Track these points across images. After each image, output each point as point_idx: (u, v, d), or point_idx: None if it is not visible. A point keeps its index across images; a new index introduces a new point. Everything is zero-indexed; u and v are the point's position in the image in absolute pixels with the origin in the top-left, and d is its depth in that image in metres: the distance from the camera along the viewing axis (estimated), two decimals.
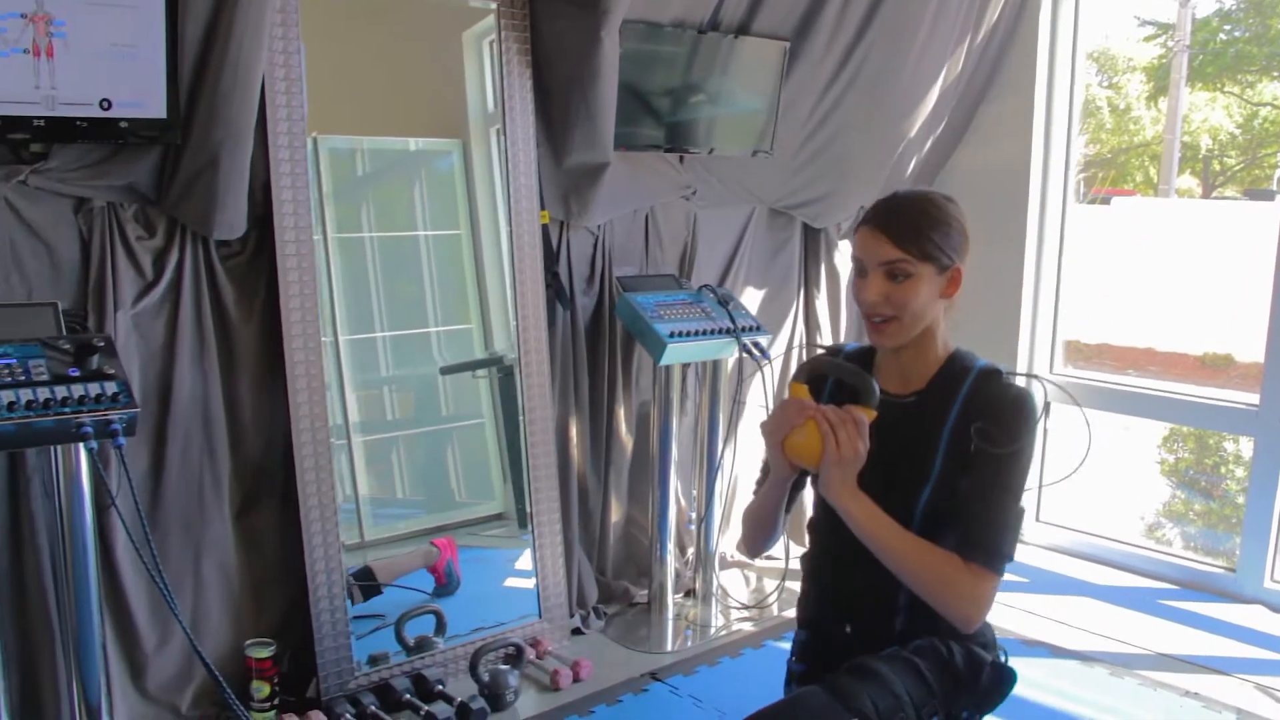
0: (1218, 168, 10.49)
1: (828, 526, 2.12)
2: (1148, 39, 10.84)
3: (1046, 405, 2.02)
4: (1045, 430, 2.03)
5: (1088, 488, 5.07)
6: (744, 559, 4.34)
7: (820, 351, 2.25)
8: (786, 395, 2.08)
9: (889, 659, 2.02)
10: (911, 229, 1.98)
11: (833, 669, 2.02)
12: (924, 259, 1.98)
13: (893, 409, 2.05)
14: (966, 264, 2.05)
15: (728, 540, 4.31)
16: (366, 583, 3.39)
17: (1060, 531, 4.64)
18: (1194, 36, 9.60)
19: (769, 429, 2.03)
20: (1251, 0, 3.43)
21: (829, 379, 2.16)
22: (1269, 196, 8.81)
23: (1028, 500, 1.88)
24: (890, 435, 2.01)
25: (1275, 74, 7.40)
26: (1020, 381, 1.92)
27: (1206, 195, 10.64)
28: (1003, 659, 2.16)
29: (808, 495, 2.27)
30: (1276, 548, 4.05)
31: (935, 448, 2.02)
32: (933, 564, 1.96)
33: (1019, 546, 2.04)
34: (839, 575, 2.16)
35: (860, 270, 2.04)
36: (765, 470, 2.21)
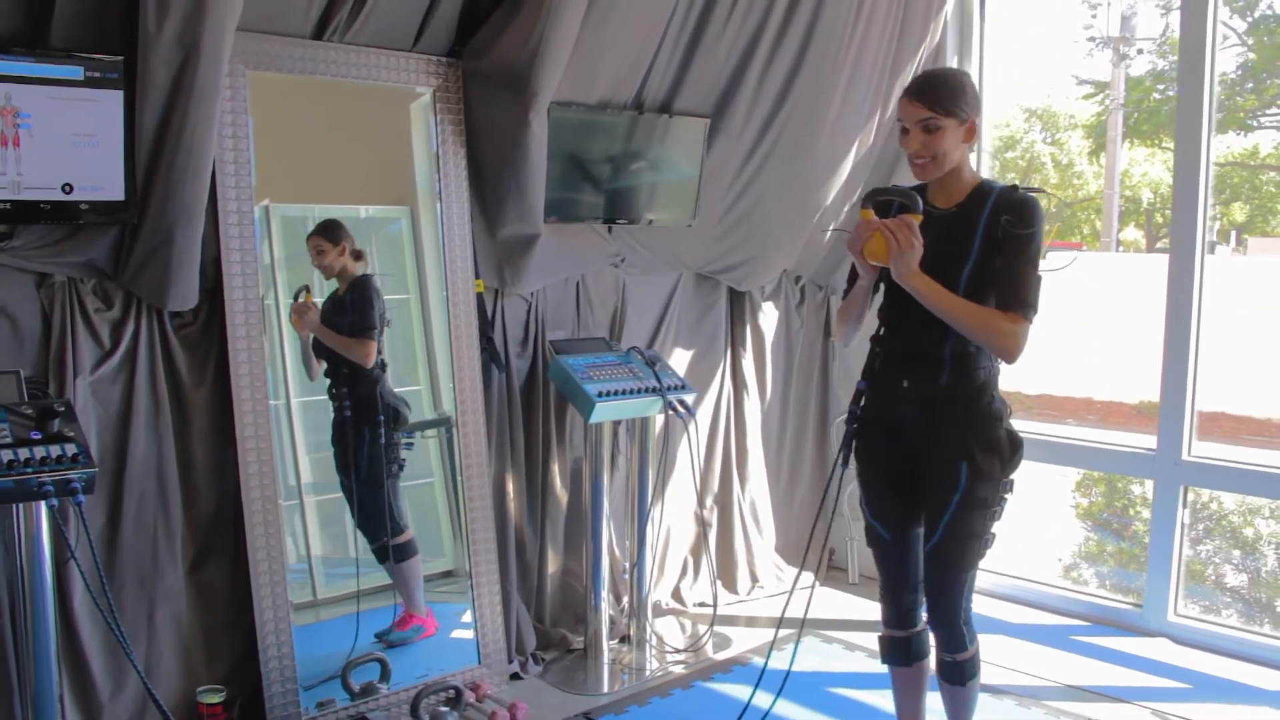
0: (1160, 220, 10.89)
1: (891, 311, 2.82)
2: (1086, 97, 11.26)
3: (1047, 208, 2.62)
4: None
5: (1009, 533, 5.33)
6: (677, 605, 4.55)
7: (875, 188, 2.97)
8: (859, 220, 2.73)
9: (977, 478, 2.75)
10: (937, 94, 2.68)
11: (885, 413, 2.84)
12: (947, 115, 2.67)
13: (942, 217, 2.73)
14: (979, 117, 2.72)
15: (662, 587, 4.52)
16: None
17: (982, 575, 4.86)
18: (1129, 95, 9.99)
19: (850, 244, 2.74)
20: (1199, 56, 3.76)
21: (888, 201, 2.79)
22: (1209, 249, 9.19)
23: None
24: (943, 234, 2.69)
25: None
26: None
27: (1150, 247, 11.02)
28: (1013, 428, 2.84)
29: None
30: (1178, 583, 4.31)
31: (973, 237, 2.69)
32: (982, 316, 2.65)
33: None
34: (898, 343, 2.83)
35: (903, 130, 2.73)
36: (850, 279, 2.89)
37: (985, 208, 2.69)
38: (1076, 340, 8.49)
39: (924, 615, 2.99)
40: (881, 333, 2.87)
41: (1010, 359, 2.70)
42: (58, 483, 2.56)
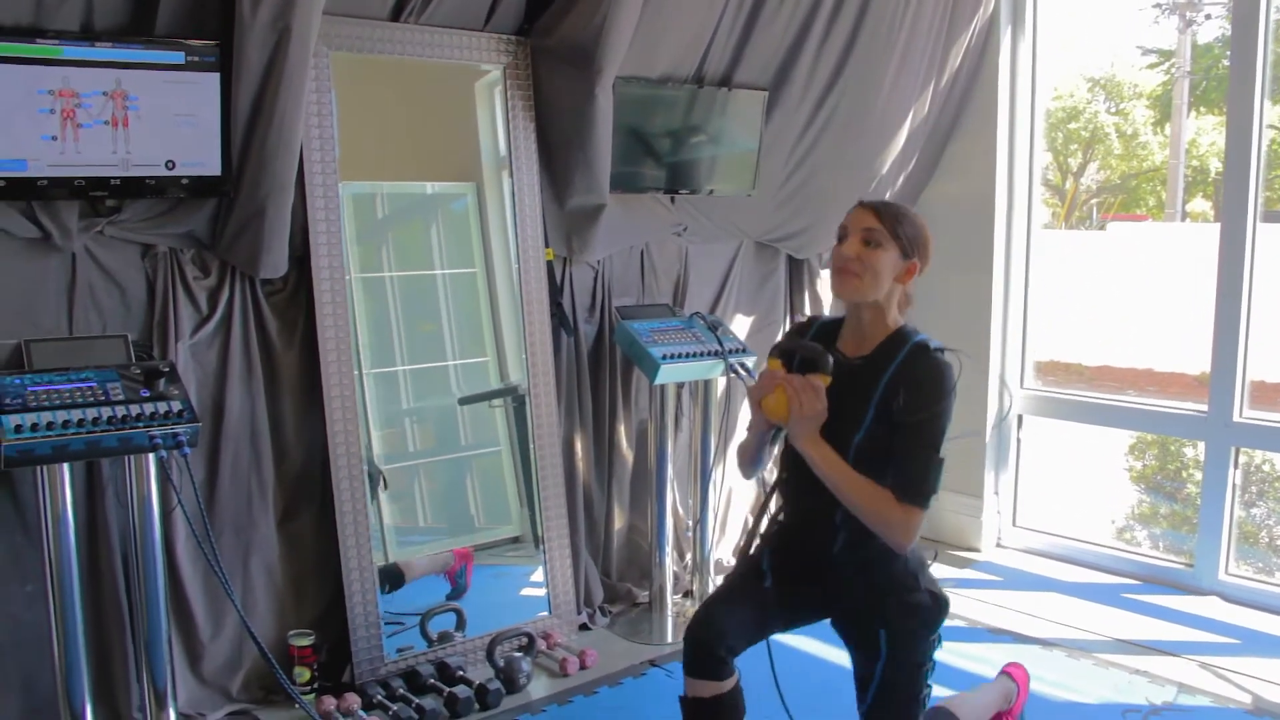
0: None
1: (786, 462, 2.66)
2: (1151, 66, 11.11)
3: (959, 374, 2.50)
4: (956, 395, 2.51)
5: (1063, 494, 5.44)
6: None
7: (793, 328, 2.80)
8: (764, 369, 2.60)
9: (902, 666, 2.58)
10: (891, 215, 2.53)
11: (789, 559, 2.64)
12: (893, 238, 2.50)
13: (845, 368, 2.53)
14: (921, 271, 2.57)
15: (724, 546, 4.69)
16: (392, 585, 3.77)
17: (1036, 535, 5.00)
18: (1195, 63, 9.86)
19: (751, 394, 2.58)
20: (1252, 25, 3.78)
21: (796, 354, 2.61)
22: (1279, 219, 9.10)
23: (947, 451, 2.47)
24: (841, 389, 2.49)
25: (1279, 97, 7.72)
26: (948, 354, 2.50)
27: (1219, 217, 10.78)
28: (938, 590, 2.64)
29: None
30: (1229, 542, 4.40)
31: (869, 403, 2.49)
32: (874, 499, 2.45)
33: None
34: (794, 499, 2.68)
35: (841, 237, 2.55)
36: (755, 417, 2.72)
37: (889, 369, 2.49)
38: (1137, 312, 8.48)
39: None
40: (783, 479, 2.71)
41: (900, 550, 2.51)
42: (166, 436, 2.80)
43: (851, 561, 2.57)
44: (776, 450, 2.76)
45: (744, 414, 4.53)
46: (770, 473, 2.76)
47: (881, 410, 2.48)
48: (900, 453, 2.46)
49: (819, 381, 2.46)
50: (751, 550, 2.72)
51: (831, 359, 2.50)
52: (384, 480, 3.77)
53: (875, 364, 2.52)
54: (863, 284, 2.50)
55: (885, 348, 2.54)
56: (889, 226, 2.50)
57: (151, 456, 2.86)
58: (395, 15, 3.53)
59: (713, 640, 2.53)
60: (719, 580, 4.36)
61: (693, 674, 2.54)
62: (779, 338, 2.56)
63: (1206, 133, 10.85)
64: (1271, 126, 4.26)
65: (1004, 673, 3.27)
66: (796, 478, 2.59)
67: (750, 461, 2.76)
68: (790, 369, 2.56)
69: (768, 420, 2.55)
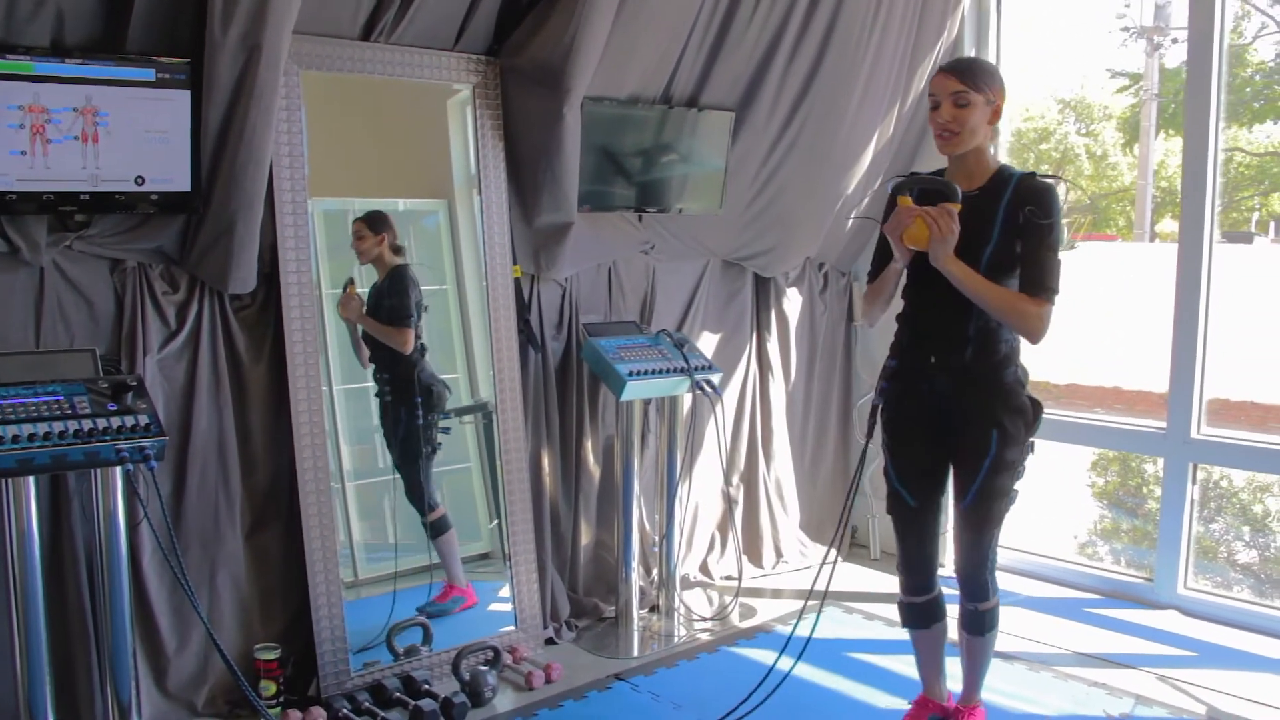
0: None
1: (917, 290, 3.05)
2: (1120, 90, 11.26)
3: (1066, 195, 2.81)
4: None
5: (1026, 510, 5.49)
6: (704, 578, 4.76)
7: (900, 180, 3.07)
8: (896, 206, 2.93)
9: (1005, 442, 2.99)
10: (971, 73, 2.89)
11: (915, 387, 3.05)
12: (978, 91, 2.86)
13: (966, 198, 2.89)
14: (1003, 104, 2.93)
15: (690, 561, 4.73)
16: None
17: (1000, 551, 5.01)
18: (1163, 86, 9.99)
19: (890, 229, 2.94)
20: (1206, 49, 3.86)
21: (917, 189, 2.97)
22: (1247, 239, 9.22)
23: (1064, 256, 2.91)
24: (966, 216, 2.86)
25: (1244, 121, 7.83)
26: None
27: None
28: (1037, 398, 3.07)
29: None
30: (1188, 557, 4.47)
31: (994, 221, 2.90)
32: (1010, 300, 2.87)
33: None
34: (925, 321, 3.04)
35: (934, 103, 2.91)
36: (876, 263, 3.14)
37: (1006, 193, 2.90)
38: (1106, 330, 8.58)
39: (938, 583, 3.26)
40: (909, 312, 3.09)
41: (1034, 340, 2.91)
42: (132, 450, 2.79)
43: (978, 370, 2.96)
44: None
45: (710, 433, 4.59)
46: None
47: (1006, 226, 2.88)
48: (1027, 256, 2.87)
49: (952, 207, 2.83)
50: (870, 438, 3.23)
51: (958, 187, 2.87)
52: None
53: (992, 193, 2.92)
54: (963, 139, 2.88)
55: (996, 180, 2.94)
56: (971, 84, 2.85)
57: (118, 470, 2.86)
58: (366, 34, 3.57)
59: (916, 586, 3.24)
60: (685, 595, 4.43)
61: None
62: (896, 183, 2.95)
63: (1175, 154, 10.97)
64: (1237, 149, 4.35)
65: None
66: (929, 300, 2.99)
67: (885, 299, 3.12)
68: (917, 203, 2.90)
69: (909, 249, 2.90)
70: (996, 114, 2.93)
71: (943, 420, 3.05)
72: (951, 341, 2.98)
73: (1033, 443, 3.04)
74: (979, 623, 3.21)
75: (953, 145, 2.91)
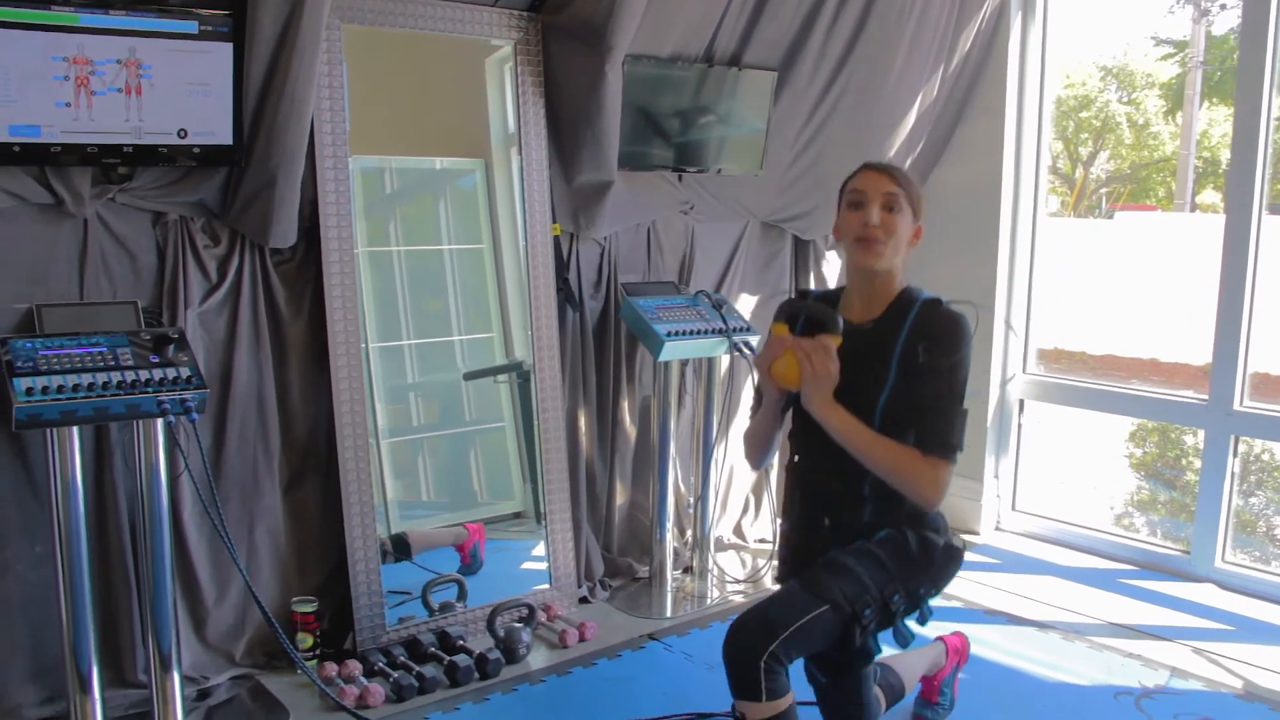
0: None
1: (804, 438, 2.63)
2: (1165, 57, 11.10)
3: (975, 325, 2.53)
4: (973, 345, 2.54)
5: (1063, 480, 5.47)
6: (738, 541, 4.76)
7: (789, 300, 2.78)
8: (770, 335, 2.58)
9: (854, 553, 2.51)
10: (903, 177, 2.54)
11: (812, 558, 2.53)
12: (909, 202, 2.52)
13: (856, 334, 2.53)
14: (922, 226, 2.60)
15: (724, 523, 4.73)
16: (399, 557, 3.81)
17: (1035, 520, 5.03)
18: (1210, 54, 9.84)
19: (758, 361, 2.56)
20: (1264, 17, 3.78)
21: (801, 317, 2.63)
22: None
23: (969, 404, 2.51)
24: (855, 354, 2.48)
25: None
26: (956, 307, 2.54)
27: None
28: (954, 541, 2.64)
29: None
30: (1226, 530, 4.43)
31: (890, 361, 2.50)
32: (899, 457, 2.44)
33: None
34: (816, 477, 2.64)
35: (857, 204, 2.52)
36: (757, 398, 2.72)
37: (904, 326, 2.52)
38: (1144, 302, 8.50)
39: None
40: (795, 461, 2.70)
41: (929, 507, 2.52)
42: (174, 402, 2.82)
43: (881, 528, 2.55)
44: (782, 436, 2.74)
45: (747, 393, 4.56)
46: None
47: (904, 365, 2.49)
48: (923, 407, 2.45)
49: (829, 341, 2.45)
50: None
51: (840, 318, 2.51)
52: None
53: (890, 323, 2.54)
54: (886, 250, 2.50)
55: (897, 307, 2.55)
56: (905, 190, 2.51)
57: (159, 422, 2.88)
58: None
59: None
60: (719, 557, 4.43)
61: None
62: (781, 304, 2.57)
63: (1219, 124, 10.83)
64: None
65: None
66: (816, 448, 2.56)
67: (761, 446, 2.72)
68: (795, 334, 2.56)
69: (779, 386, 2.52)
70: (918, 235, 2.58)
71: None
72: (845, 500, 2.57)
73: (913, 590, 2.54)
74: None
75: (875, 255, 2.49)
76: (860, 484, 2.53)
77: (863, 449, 2.45)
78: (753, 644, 2.33)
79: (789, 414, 2.67)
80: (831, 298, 2.69)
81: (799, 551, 2.67)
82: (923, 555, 2.55)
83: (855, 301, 2.62)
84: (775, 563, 2.77)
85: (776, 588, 2.60)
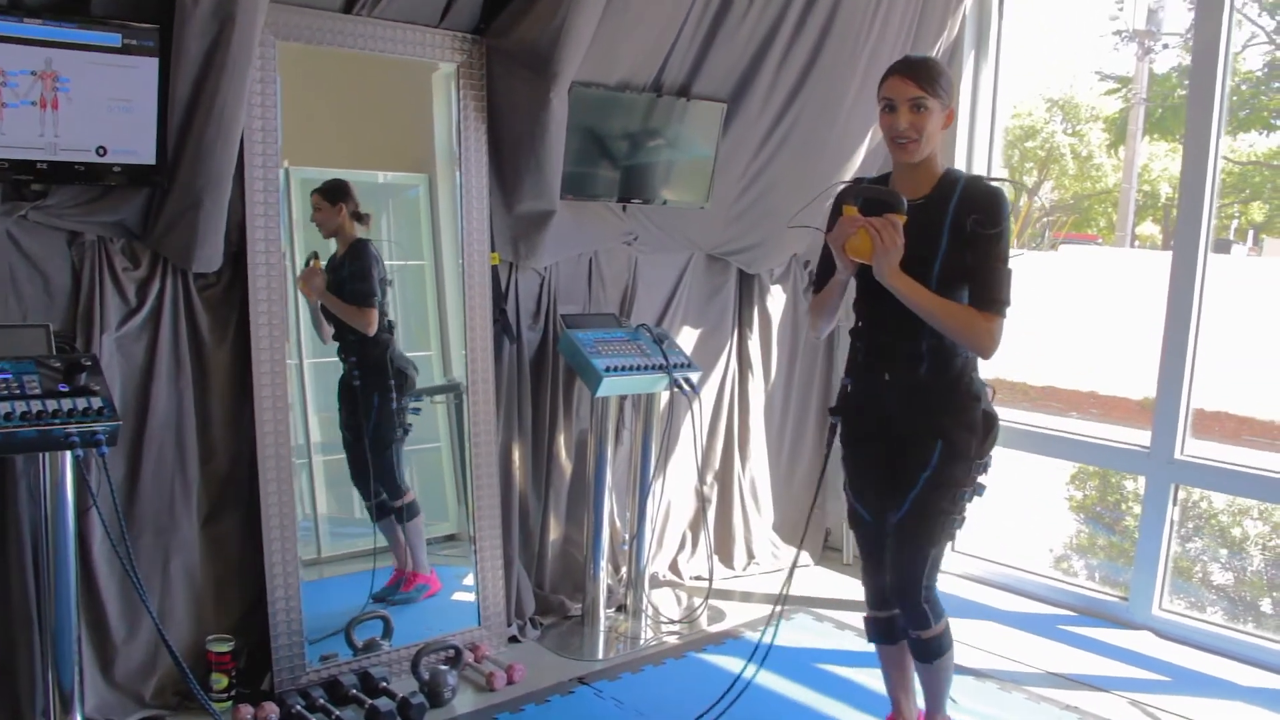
0: (1176, 215, 10.85)
1: (868, 305, 2.92)
2: (1109, 92, 11.25)
3: (1015, 197, 2.66)
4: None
5: (1003, 522, 5.43)
6: (673, 578, 4.67)
7: (846, 188, 2.93)
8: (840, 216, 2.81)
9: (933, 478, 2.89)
10: (927, 75, 2.76)
11: (871, 408, 2.96)
12: (935, 96, 2.75)
13: (911, 208, 2.76)
14: (956, 106, 2.86)
15: (660, 560, 4.63)
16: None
17: (975, 561, 4.98)
18: (1152, 90, 9.98)
19: (834, 239, 2.82)
20: (1212, 54, 3.82)
21: (863, 199, 2.84)
22: (1225, 248, 9.20)
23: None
24: (912, 226, 2.73)
25: (1229, 129, 7.83)
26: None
27: (1167, 242, 11.04)
28: (990, 409, 2.95)
29: None
30: (1164, 578, 4.40)
31: (941, 231, 2.78)
32: (959, 316, 2.76)
33: None
34: (877, 338, 2.93)
35: (890, 107, 2.78)
36: (821, 274, 3.01)
37: (952, 200, 2.78)
38: (1084, 334, 8.56)
39: None
40: (860, 327, 2.98)
41: (986, 355, 2.81)
42: (83, 434, 2.68)
43: (932, 386, 2.86)
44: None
45: (687, 428, 4.49)
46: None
47: (954, 235, 2.76)
48: (975, 270, 2.76)
49: (896, 219, 2.70)
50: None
51: (903, 197, 2.73)
52: None
53: (938, 200, 2.80)
54: (919, 146, 2.77)
55: (942, 186, 2.82)
56: (930, 89, 2.73)
57: (68, 454, 2.74)
58: (348, 7, 3.43)
59: (879, 601, 3.20)
60: (654, 595, 4.34)
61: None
62: (841, 190, 2.82)
63: (1159, 159, 11.01)
64: (1224, 158, 4.26)
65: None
66: (880, 314, 2.87)
67: (830, 314, 3.01)
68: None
69: (852, 261, 2.78)
70: (950, 119, 2.83)
71: (895, 437, 2.94)
72: (905, 358, 2.87)
73: (986, 462, 2.93)
74: (924, 651, 3.09)
75: (913, 153, 2.78)
76: (918, 343, 2.83)
77: (928, 310, 2.74)
78: (909, 597, 3.00)
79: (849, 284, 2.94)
80: (884, 180, 2.94)
81: (856, 399, 3.01)
82: (986, 429, 2.91)
83: (904, 183, 2.86)
84: (828, 414, 3.18)
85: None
